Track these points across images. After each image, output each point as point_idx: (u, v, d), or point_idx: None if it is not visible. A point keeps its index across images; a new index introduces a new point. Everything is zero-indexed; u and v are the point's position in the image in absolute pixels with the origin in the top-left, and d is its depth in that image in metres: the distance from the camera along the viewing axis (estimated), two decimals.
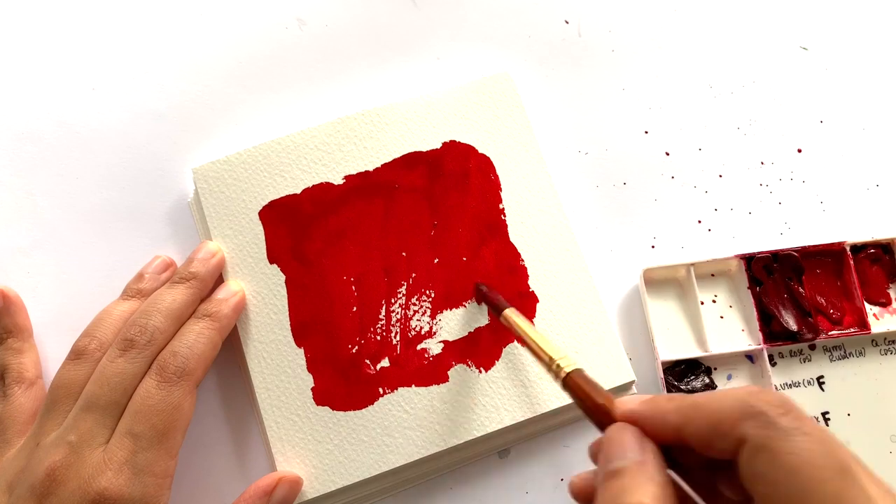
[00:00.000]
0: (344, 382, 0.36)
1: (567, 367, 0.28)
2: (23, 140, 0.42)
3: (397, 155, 0.39)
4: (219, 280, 0.38)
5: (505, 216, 0.38)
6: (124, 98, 0.43)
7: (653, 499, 0.23)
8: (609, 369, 0.36)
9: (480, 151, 0.39)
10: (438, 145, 0.39)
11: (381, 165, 0.39)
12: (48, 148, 0.42)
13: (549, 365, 0.29)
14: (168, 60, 0.43)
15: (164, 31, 0.44)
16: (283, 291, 0.37)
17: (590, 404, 0.26)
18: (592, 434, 0.37)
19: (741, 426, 0.22)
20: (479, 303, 0.37)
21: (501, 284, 0.37)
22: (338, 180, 0.39)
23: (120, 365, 0.33)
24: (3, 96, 0.43)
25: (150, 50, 0.43)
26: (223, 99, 0.42)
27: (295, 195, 0.38)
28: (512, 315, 0.33)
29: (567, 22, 0.44)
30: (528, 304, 0.37)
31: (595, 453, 0.26)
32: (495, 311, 0.35)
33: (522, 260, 0.38)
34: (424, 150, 0.39)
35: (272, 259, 0.37)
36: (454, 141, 0.39)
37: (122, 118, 0.42)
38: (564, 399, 0.36)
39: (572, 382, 0.28)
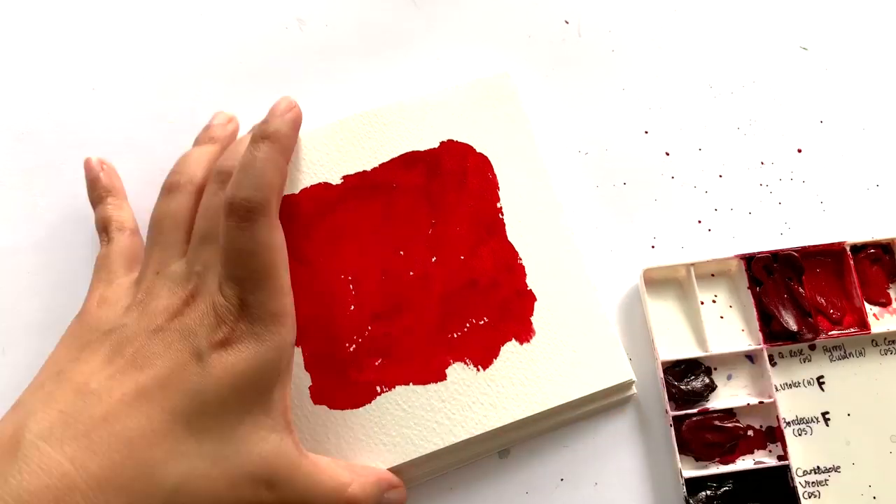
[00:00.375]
0: (341, 381, 0.36)
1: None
2: (23, 140, 0.43)
3: (395, 155, 0.39)
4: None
5: (503, 215, 0.39)
6: (124, 98, 0.43)
7: None
8: (608, 368, 0.37)
9: (479, 151, 0.40)
10: (436, 145, 0.40)
11: (380, 165, 0.39)
12: (48, 148, 0.42)
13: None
14: (168, 60, 0.44)
15: (164, 31, 0.44)
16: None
17: None
18: (593, 434, 0.38)
19: None
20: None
21: (499, 283, 0.38)
22: (336, 180, 0.39)
23: (221, 198, 0.33)
24: (3, 96, 0.43)
25: (150, 50, 0.44)
26: (223, 99, 0.43)
27: (293, 195, 0.39)
28: None
29: (567, 22, 0.45)
30: (526, 303, 0.37)
31: None
32: None
33: (520, 259, 0.38)
34: (422, 149, 0.40)
35: None
36: (452, 140, 0.40)
37: (122, 118, 0.43)
38: (565, 398, 0.36)
39: None
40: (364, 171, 0.39)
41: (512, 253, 0.38)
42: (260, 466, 0.30)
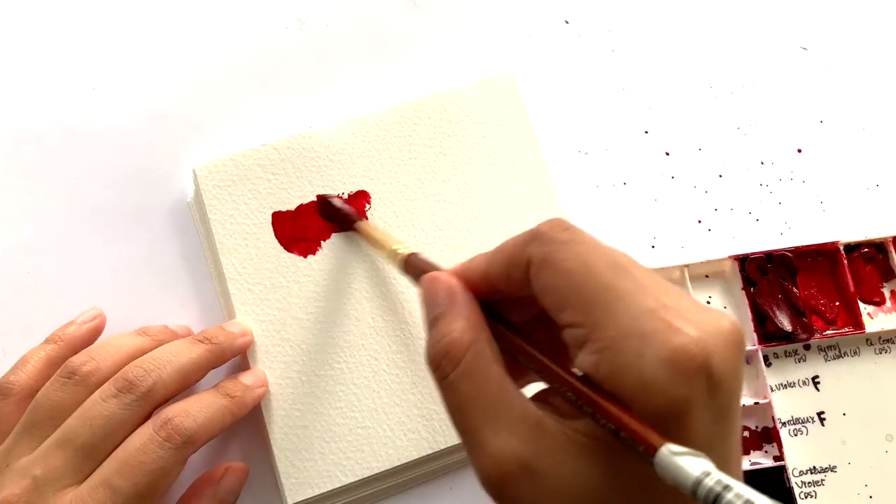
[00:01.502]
0: None
1: (404, 252, 0.33)
2: (23, 140, 0.43)
3: (398, 158, 0.41)
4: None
5: (500, 215, 0.40)
6: (124, 98, 0.44)
7: (460, 332, 0.25)
8: None
9: (478, 149, 0.41)
10: (435, 145, 0.41)
11: (380, 167, 0.40)
12: (48, 148, 0.43)
13: (391, 253, 0.34)
14: (168, 60, 0.45)
15: (163, 30, 0.45)
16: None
17: (421, 274, 0.29)
18: None
19: (526, 250, 0.25)
20: (324, 218, 0.40)
21: None
22: (339, 186, 0.40)
23: (110, 406, 0.32)
24: (3, 96, 0.44)
25: (150, 50, 0.45)
26: (223, 99, 0.44)
27: (292, 206, 0.40)
28: (362, 225, 0.38)
29: (567, 22, 0.46)
30: None
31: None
32: (345, 223, 0.39)
33: None
34: (419, 155, 0.41)
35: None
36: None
37: (122, 118, 0.44)
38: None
39: (408, 263, 0.32)
40: (364, 175, 0.40)
41: None
42: None
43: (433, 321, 0.26)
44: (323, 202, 0.39)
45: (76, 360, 0.34)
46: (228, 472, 0.35)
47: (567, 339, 0.24)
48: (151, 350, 0.35)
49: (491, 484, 0.24)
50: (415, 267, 0.32)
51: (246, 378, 0.36)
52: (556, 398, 0.25)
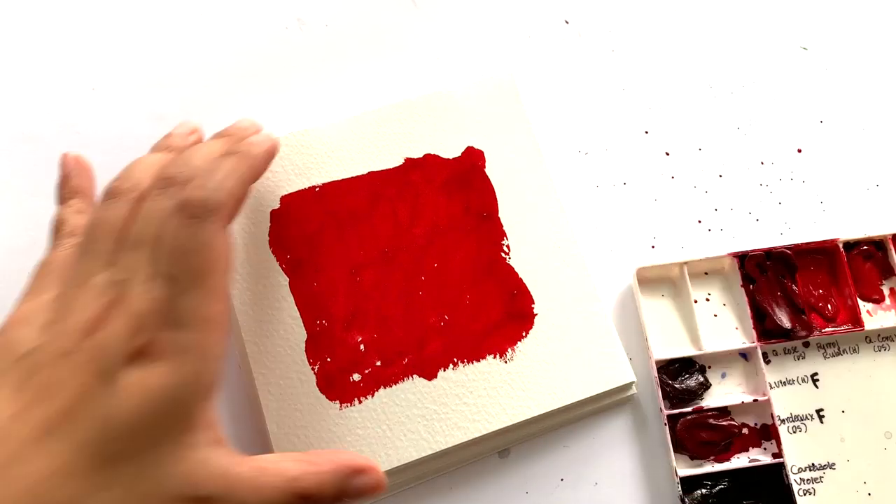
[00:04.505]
0: (342, 379, 0.39)
1: None
2: (23, 140, 0.45)
3: (397, 157, 0.42)
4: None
5: (502, 217, 0.42)
6: (124, 98, 0.46)
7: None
8: (609, 370, 0.39)
9: (478, 149, 0.43)
10: (432, 147, 0.43)
11: (380, 169, 0.42)
12: (48, 148, 0.45)
13: None
14: (168, 60, 0.46)
15: (164, 31, 0.47)
16: (290, 297, 0.40)
17: None
18: (593, 435, 0.41)
19: None
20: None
21: (499, 284, 0.41)
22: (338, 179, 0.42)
23: (162, 202, 0.32)
24: (3, 96, 0.46)
25: (150, 50, 0.47)
26: (223, 99, 0.46)
27: (304, 191, 0.42)
28: None
29: (567, 22, 0.48)
30: (526, 304, 0.41)
31: None
32: None
33: (521, 260, 0.41)
34: (419, 155, 0.43)
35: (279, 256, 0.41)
36: (470, 148, 0.43)
37: (122, 118, 0.45)
38: (565, 400, 0.39)
39: None
40: (364, 175, 0.42)
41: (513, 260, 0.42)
42: (188, 486, 0.30)
43: None
44: None
45: (114, 183, 0.35)
46: (368, 473, 0.33)
47: None
48: None
49: None
50: None
51: (250, 133, 0.37)
52: None
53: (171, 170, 0.33)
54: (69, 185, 0.39)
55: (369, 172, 0.42)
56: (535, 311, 0.40)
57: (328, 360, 0.40)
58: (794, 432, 0.41)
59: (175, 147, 0.38)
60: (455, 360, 0.40)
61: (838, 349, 0.42)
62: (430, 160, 0.43)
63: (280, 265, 0.41)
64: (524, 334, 0.40)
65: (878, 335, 0.42)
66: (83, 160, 0.40)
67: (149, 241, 0.31)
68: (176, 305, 0.30)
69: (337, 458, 0.33)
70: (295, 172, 0.42)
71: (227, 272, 0.32)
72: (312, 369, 0.40)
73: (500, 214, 0.42)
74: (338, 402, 0.39)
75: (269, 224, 0.41)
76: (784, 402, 0.41)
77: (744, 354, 0.42)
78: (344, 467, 0.32)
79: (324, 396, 0.39)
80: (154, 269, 0.30)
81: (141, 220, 0.32)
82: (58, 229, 0.38)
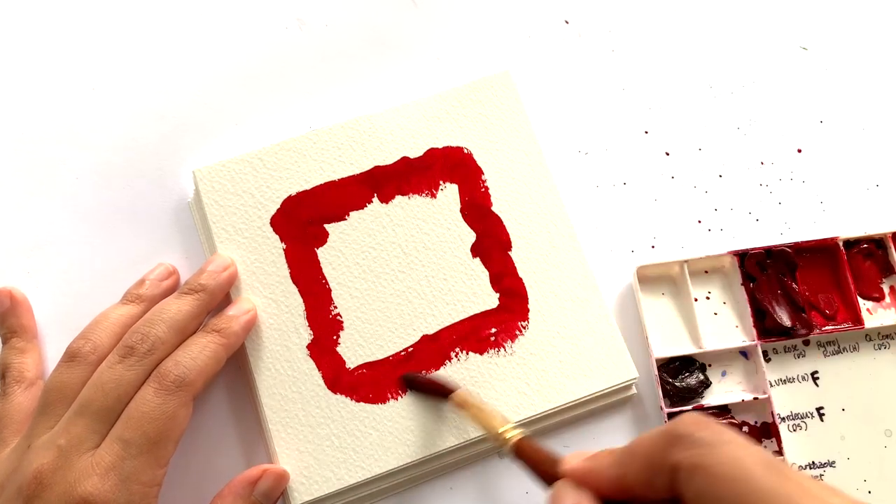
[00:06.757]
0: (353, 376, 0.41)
1: (514, 436, 0.34)
2: (23, 140, 0.46)
3: (397, 158, 0.43)
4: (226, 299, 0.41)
5: (499, 212, 0.43)
6: (124, 98, 0.47)
7: None
8: (612, 368, 0.40)
9: (477, 149, 0.44)
10: (434, 147, 0.44)
11: (380, 168, 0.43)
12: (48, 148, 0.46)
13: (497, 436, 0.34)
14: (168, 60, 0.47)
15: (164, 31, 0.48)
16: (300, 301, 0.41)
17: (538, 468, 0.31)
18: (593, 434, 0.41)
19: (670, 456, 0.26)
20: (405, 391, 0.41)
21: (500, 285, 0.42)
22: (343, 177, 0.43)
23: (117, 371, 0.36)
24: (3, 96, 0.47)
25: (150, 50, 0.47)
26: (223, 99, 0.47)
27: (317, 187, 0.43)
28: (460, 395, 0.38)
29: (567, 22, 0.49)
30: (527, 304, 0.42)
31: None
32: (437, 394, 0.39)
33: (521, 260, 0.42)
34: (419, 154, 0.44)
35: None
36: (448, 147, 0.44)
37: (122, 118, 0.46)
38: (568, 397, 0.40)
39: (520, 449, 0.33)
40: (364, 175, 0.43)
41: (511, 257, 0.43)
42: None
43: None
44: (409, 382, 0.41)
45: (75, 344, 0.38)
46: (266, 475, 0.38)
47: None
48: (143, 314, 0.39)
49: None
50: (530, 455, 0.32)
51: (230, 310, 0.40)
52: None
53: (132, 339, 0.37)
54: (6, 324, 0.42)
55: (369, 170, 0.43)
56: (537, 312, 0.41)
57: (328, 360, 0.41)
58: (795, 430, 0.41)
59: (146, 297, 0.41)
60: (458, 349, 0.41)
61: (838, 347, 0.42)
62: (430, 160, 0.44)
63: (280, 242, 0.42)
64: (524, 325, 0.41)
65: (878, 333, 0.43)
66: (17, 293, 0.43)
67: (92, 411, 0.35)
68: (121, 469, 0.34)
69: (239, 479, 0.38)
70: (297, 176, 0.43)
71: (176, 441, 0.36)
72: (317, 369, 0.41)
73: (501, 214, 0.43)
74: (348, 398, 0.40)
75: (270, 227, 0.43)
76: (784, 401, 0.42)
77: (744, 353, 0.43)
78: (243, 483, 0.38)
79: (333, 394, 0.40)
80: (114, 431, 0.35)
81: (92, 386, 0.36)
82: (3, 374, 0.41)
